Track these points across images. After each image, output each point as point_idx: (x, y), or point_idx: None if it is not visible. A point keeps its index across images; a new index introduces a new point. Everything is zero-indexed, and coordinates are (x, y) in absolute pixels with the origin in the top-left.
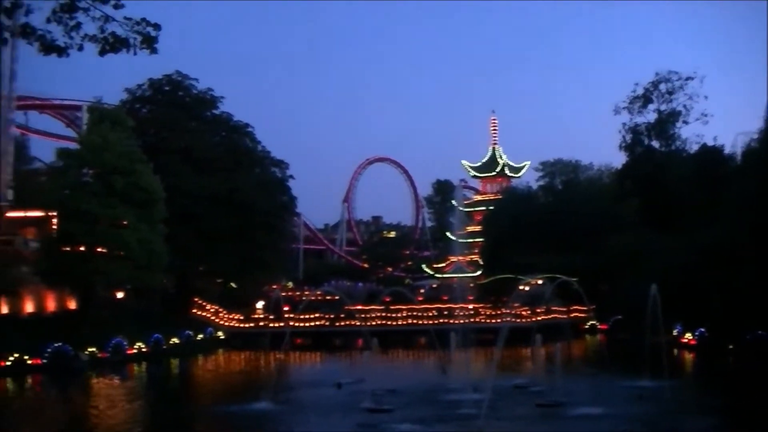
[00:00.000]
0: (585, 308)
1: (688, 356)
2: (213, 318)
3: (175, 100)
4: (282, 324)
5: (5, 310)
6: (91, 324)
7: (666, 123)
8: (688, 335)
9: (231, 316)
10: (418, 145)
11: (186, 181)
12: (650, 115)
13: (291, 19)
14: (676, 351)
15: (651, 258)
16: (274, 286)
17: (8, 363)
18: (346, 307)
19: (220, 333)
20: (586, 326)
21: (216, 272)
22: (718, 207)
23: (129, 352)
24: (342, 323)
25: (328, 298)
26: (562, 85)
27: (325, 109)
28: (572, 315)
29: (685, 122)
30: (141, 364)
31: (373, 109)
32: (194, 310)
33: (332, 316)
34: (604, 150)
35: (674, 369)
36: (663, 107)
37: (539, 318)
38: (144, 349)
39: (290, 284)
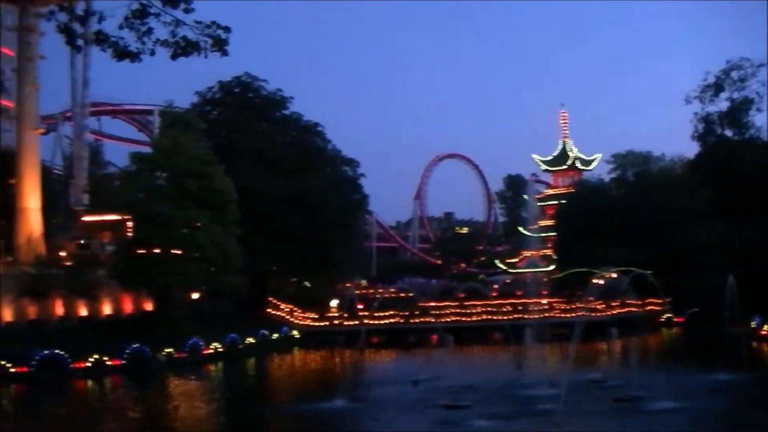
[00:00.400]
0: (660, 301)
1: (767, 349)
2: (287, 317)
3: (245, 101)
4: (356, 322)
5: (84, 312)
6: (168, 325)
7: (739, 111)
8: (767, 327)
9: (305, 315)
10: (488, 141)
11: (258, 182)
12: (722, 104)
13: (356, 18)
14: (754, 343)
15: (726, 249)
16: (348, 285)
17: (88, 364)
18: (420, 304)
19: (294, 332)
20: (662, 319)
21: (290, 272)
22: None
23: (205, 352)
24: (416, 320)
25: (402, 295)
26: (630, 77)
27: (395, 106)
28: (648, 308)
29: (759, 110)
30: (217, 364)
31: (444, 105)
32: (269, 310)
33: (406, 314)
34: (675, 140)
35: (752, 362)
36: (735, 95)
37: (614, 312)
38: (220, 349)
39: (363, 282)
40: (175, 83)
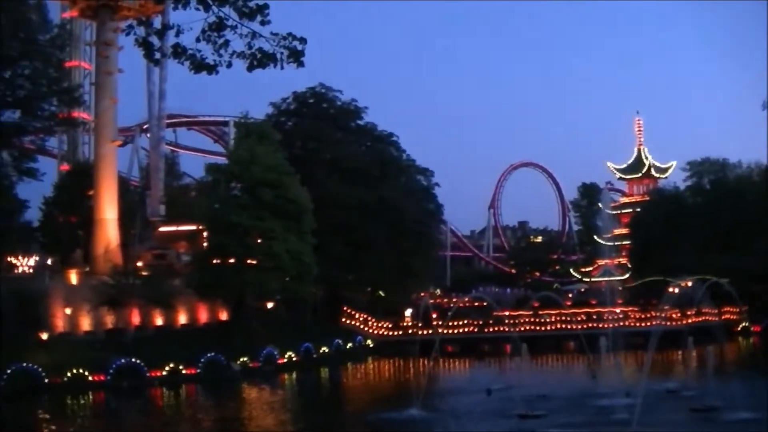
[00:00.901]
0: (737, 310)
1: None
2: (362, 326)
3: (320, 112)
4: (431, 331)
5: (160, 321)
6: (243, 334)
7: None
8: None
9: (380, 325)
10: (562, 149)
11: (333, 192)
12: None
13: (428, 24)
14: None
15: None
16: (422, 294)
17: (164, 373)
18: (495, 313)
19: (369, 341)
20: (739, 328)
21: (364, 281)
22: None
23: (280, 361)
24: (490, 329)
25: (476, 304)
26: (704, 82)
27: (468, 115)
28: (724, 317)
29: None
30: (292, 373)
31: (518, 114)
32: (343, 319)
33: (480, 323)
34: (753, 147)
35: None
36: None
37: (690, 321)
38: (294, 359)
39: (438, 291)
40: (250, 95)
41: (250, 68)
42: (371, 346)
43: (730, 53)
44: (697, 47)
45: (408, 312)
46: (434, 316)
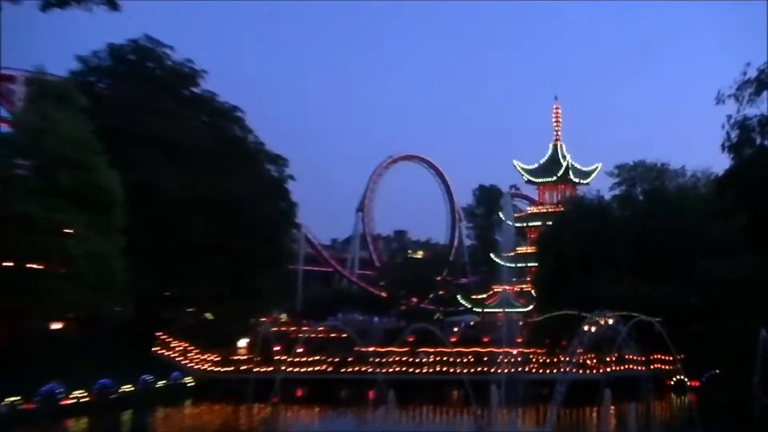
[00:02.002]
0: (671, 357)
1: None
2: (181, 358)
3: (144, 72)
4: (272, 368)
5: None
6: (16, 364)
7: None
8: None
9: (205, 357)
10: (455, 142)
11: (156, 179)
12: (765, 106)
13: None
14: None
15: (763, 292)
16: (263, 319)
17: None
18: (357, 348)
19: (189, 378)
20: (672, 382)
21: (188, 298)
22: None
23: (64, 402)
24: (351, 369)
25: (334, 335)
26: (642, 72)
27: (338, 100)
28: (654, 366)
29: None
30: (79, 419)
31: (400, 101)
32: (157, 348)
33: (338, 360)
34: (700, 151)
35: None
36: None
37: (609, 369)
38: (85, 398)
39: (284, 316)
40: (56, 49)
41: (45, 7)
42: (192, 384)
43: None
44: (636, 35)
45: (243, 342)
46: (277, 348)
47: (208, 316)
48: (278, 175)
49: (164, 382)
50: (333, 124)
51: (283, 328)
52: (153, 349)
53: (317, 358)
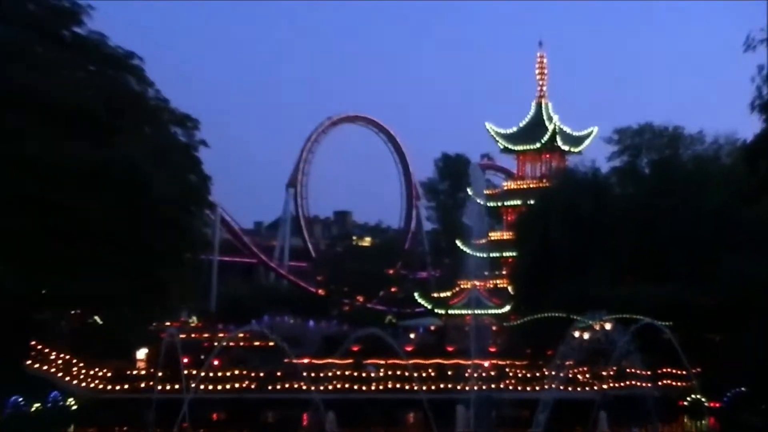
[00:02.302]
0: (684, 372)
1: None
2: (62, 374)
3: (10, 9)
4: (178, 386)
5: None
6: None
7: None
8: None
9: (93, 372)
10: (412, 101)
11: (26, 146)
12: None
13: None
14: None
15: None
16: (168, 324)
17: None
18: (288, 361)
19: (72, 400)
20: (686, 402)
21: (71, 298)
22: None
23: None
24: (280, 386)
25: (258, 344)
26: (648, 13)
27: (266, 51)
28: (662, 382)
29: None
30: None
31: (345, 51)
32: (30, 362)
33: (264, 375)
34: (723, 111)
35: None
36: None
37: (606, 386)
38: None
39: (194, 320)
40: None
41: None
42: (76, 407)
43: None
44: None
45: (142, 353)
46: (186, 361)
47: (98, 320)
48: (187, 140)
49: (39, 405)
50: (259, 80)
51: (193, 335)
52: (25, 362)
53: (237, 372)
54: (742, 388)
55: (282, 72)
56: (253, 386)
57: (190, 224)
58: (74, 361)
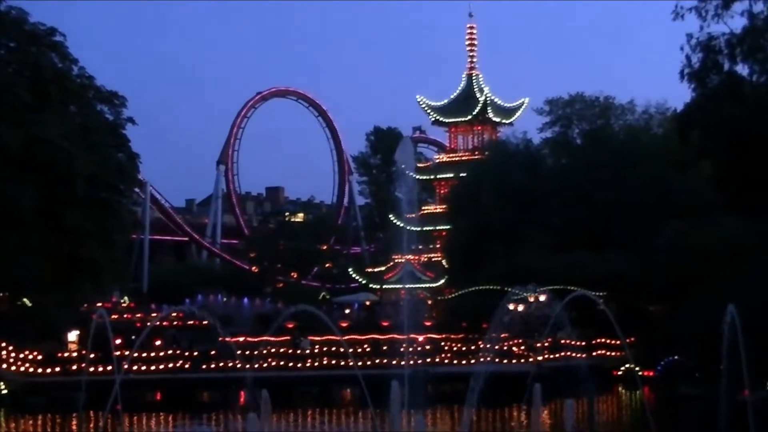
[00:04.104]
0: (618, 343)
1: None
2: None
3: None
4: (110, 368)
5: None
6: None
7: (762, 33)
8: None
9: (23, 356)
10: (343, 75)
11: None
12: (735, 21)
13: None
14: None
15: (737, 261)
16: (99, 305)
17: None
18: (222, 340)
19: (1, 384)
20: (620, 372)
21: None
22: None
23: None
24: (214, 366)
25: (192, 323)
26: None
27: (195, 27)
28: (596, 354)
29: None
30: None
31: (274, 25)
32: None
33: (198, 355)
34: (654, 80)
35: None
36: (759, 7)
37: (541, 358)
38: None
39: (126, 300)
40: None
41: None
42: (5, 392)
43: None
44: None
45: (73, 335)
46: (118, 342)
47: (26, 301)
48: (113, 118)
49: None
50: (188, 55)
51: (125, 316)
52: None
53: (170, 353)
54: (675, 357)
55: (212, 47)
56: (186, 366)
57: (119, 203)
58: (2, 344)
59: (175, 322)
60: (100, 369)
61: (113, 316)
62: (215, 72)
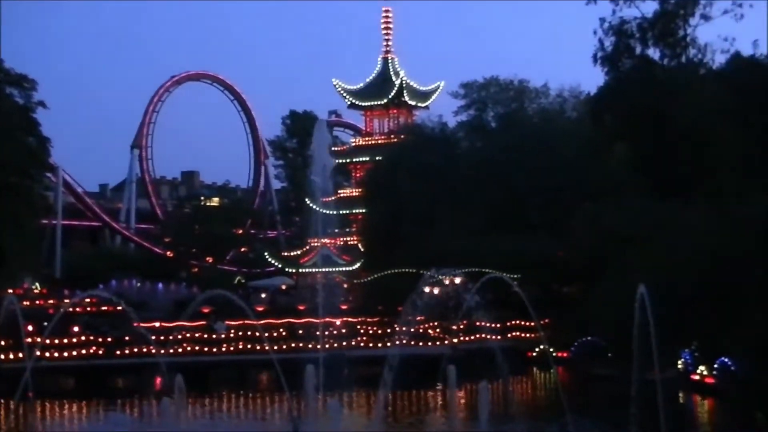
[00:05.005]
0: (533, 324)
1: (703, 404)
2: None
3: None
4: (21, 355)
5: None
6: None
7: (673, 18)
8: (703, 369)
9: None
10: (257, 58)
11: None
12: (647, 6)
13: None
14: (681, 395)
15: (648, 242)
16: (10, 291)
17: None
18: (138, 325)
19: None
20: (534, 353)
21: None
22: (762, 158)
23: None
24: (129, 351)
25: (106, 309)
26: None
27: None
28: (512, 335)
29: (705, 17)
30: None
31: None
32: None
33: (112, 341)
34: (567, 64)
35: (676, 427)
36: None
37: (456, 340)
38: None
39: (37, 287)
40: None
41: None
42: None
43: None
44: None
45: None
46: (29, 328)
47: None
48: (23, 102)
49: None
50: (101, 38)
51: (37, 302)
52: None
53: (84, 339)
54: (588, 338)
55: (126, 31)
56: (101, 352)
57: (30, 188)
58: None
59: (89, 308)
60: (11, 356)
61: (24, 303)
62: (129, 56)
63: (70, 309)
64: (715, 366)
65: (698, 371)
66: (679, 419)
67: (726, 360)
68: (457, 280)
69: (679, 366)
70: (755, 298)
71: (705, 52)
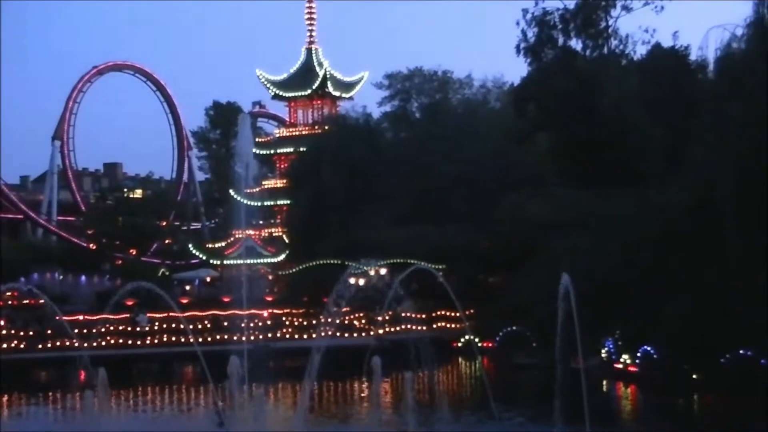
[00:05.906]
0: (458, 314)
1: (626, 392)
2: None
3: None
4: None
5: None
6: None
7: (595, 9)
8: (626, 357)
9: None
10: (180, 49)
11: None
12: None
13: None
14: (605, 383)
15: (570, 231)
16: None
17: None
18: (60, 318)
19: None
20: (460, 343)
21: None
22: (681, 147)
23: None
24: (51, 345)
25: (28, 302)
26: None
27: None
28: (437, 326)
29: (627, 9)
30: None
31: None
32: None
33: (33, 334)
34: (491, 55)
35: (600, 415)
36: None
37: (381, 331)
38: None
39: None
40: None
41: None
42: None
43: None
44: None
45: None
46: None
47: None
48: None
49: None
50: (20, 30)
51: None
52: None
53: (5, 332)
54: (513, 327)
55: (46, 20)
56: (22, 346)
57: None
58: None
59: (10, 302)
60: None
61: None
62: (50, 46)
63: None
64: (638, 354)
65: (621, 359)
66: (603, 407)
67: (648, 348)
68: (383, 271)
69: (603, 354)
70: (677, 286)
71: (626, 43)
